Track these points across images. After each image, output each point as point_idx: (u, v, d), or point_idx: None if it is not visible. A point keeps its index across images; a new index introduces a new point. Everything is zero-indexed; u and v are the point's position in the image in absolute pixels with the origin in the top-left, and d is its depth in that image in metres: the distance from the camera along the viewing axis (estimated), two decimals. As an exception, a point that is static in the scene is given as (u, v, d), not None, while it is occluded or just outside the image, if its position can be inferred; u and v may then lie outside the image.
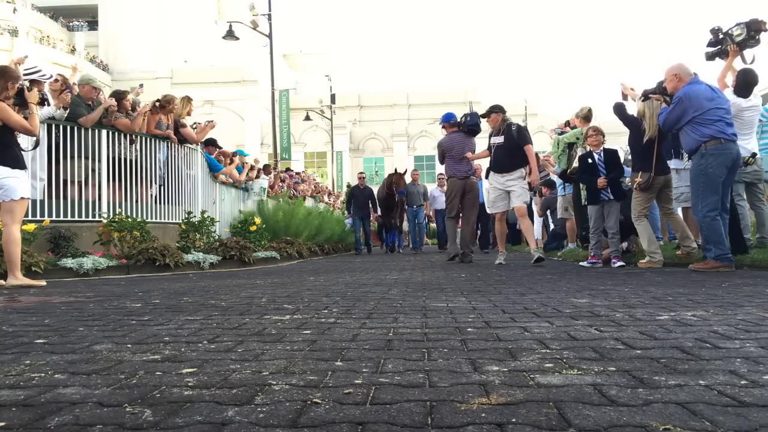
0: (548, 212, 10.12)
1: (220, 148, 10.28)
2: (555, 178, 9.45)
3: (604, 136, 6.41)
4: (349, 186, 13.46)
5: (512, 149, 6.61)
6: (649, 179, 5.52)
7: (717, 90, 4.96)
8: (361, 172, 14.08)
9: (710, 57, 5.61)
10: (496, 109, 6.85)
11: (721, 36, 5.45)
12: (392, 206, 13.02)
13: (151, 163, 7.48)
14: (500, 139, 6.69)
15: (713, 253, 4.66)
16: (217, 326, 2.28)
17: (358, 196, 12.98)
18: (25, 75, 6.43)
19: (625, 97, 5.91)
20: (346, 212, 14.32)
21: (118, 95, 7.28)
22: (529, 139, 6.64)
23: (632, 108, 5.89)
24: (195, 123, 9.05)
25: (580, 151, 6.72)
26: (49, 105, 6.48)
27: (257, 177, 11.90)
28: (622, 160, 7.34)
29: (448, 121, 7.82)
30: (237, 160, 10.78)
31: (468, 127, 7.54)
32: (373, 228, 15.83)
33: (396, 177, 12.74)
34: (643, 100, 5.50)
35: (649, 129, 5.49)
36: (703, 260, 4.86)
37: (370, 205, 13.35)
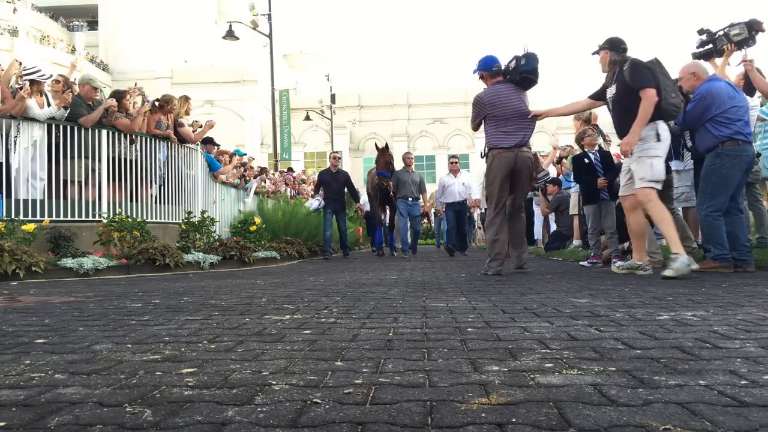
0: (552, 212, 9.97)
1: (218, 146, 10.27)
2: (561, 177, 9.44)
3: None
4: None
5: (630, 102, 4.36)
6: None
7: (737, 88, 4.87)
8: (335, 152, 10.96)
9: (696, 58, 5.57)
10: (605, 45, 4.67)
11: (715, 36, 5.42)
12: (387, 198, 10.32)
13: (151, 163, 7.48)
14: (613, 91, 4.59)
15: (712, 254, 4.65)
16: (217, 326, 2.28)
17: (329, 183, 9.93)
18: (24, 75, 6.46)
19: None
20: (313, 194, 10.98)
21: (118, 95, 7.29)
22: (645, 80, 4.28)
23: None
24: (194, 121, 9.06)
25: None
26: (50, 105, 6.51)
27: (255, 177, 11.91)
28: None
29: (488, 67, 5.18)
30: (236, 160, 10.77)
31: (521, 73, 4.96)
32: (349, 223, 13.22)
33: (378, 155, 10.00)
34: None
35: None
36: (702, 260, 4.86)
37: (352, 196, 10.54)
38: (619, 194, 4.86)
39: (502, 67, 5.14)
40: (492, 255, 5.10)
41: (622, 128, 4.49)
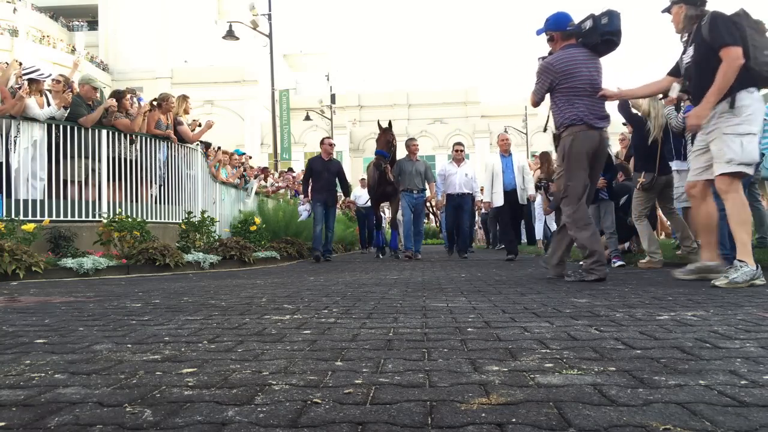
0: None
1: (209, 144, 10.18)
2: None
3: None
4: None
5: (709, 65, 3.58)
6: (652, 179, 5.51)
7: None
8: (327, 137, 9.33)
9: None
10: None
11: None
12: (387, 192, 8.99)
13: (151, 163, 7.48)
14: (691, 53, 3.77)
15: None
16: (217, 326, 2.28)
17: (320, 173, 8.50)
18: (23, 75, 6.46)
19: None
20: (302, 197, 9.28)
21: (118, 95, 7.29)
22: (727, 36, 3.49)
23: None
24: (193, 120, 9.04)
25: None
26: (50, 105, 6.51)
27: (255, 177, 11.91)
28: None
29: (561, 26, 4.30)
30: (220, 154, 10.54)
31: (603, 35, 4.13)
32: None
33: (379, 133, 8.79)
34: (661, 98, 5.46)
35: (654, 129, 5.47)
36: None
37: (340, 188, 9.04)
38: (688, 178, 3.98)
39: (580, 26, 4.22)
40: (590, 257, 4.09)
41: (702, 95, 3.63)
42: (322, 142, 8.95)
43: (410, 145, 8.93)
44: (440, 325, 2.23)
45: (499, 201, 7.98)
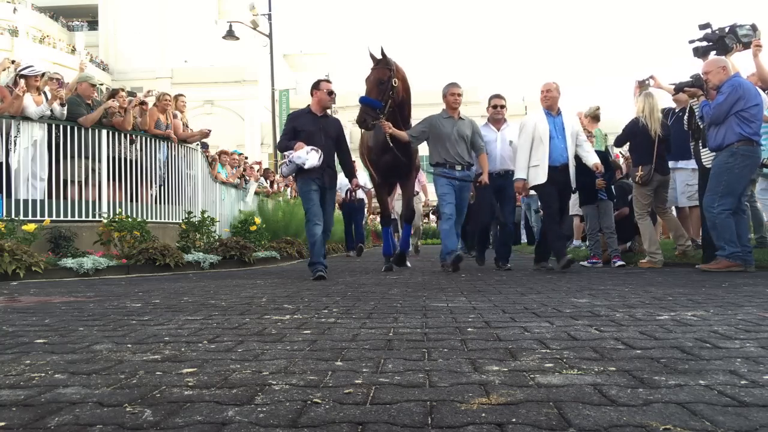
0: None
1: (207, 145, 10.13)
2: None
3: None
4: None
5: None
6: (650, 172, 5.50)
7: (757, 88, 4.83)
8: (325, 79, 5.57)
9: (702, 54, 5.50)
10: None
11: (722, 34, 5.39)
12: (392, 165, 5.62)
13: (151, 163, 7.48)
14: None
15: (726, 252, 4.62)
16: (217, 326, 2.28)
17: (312, 135, 4.98)
18: (18, 73, 6.46)
19: (639, 92, 5.85)
20: (294, 157, 4.84)
21: (113, 93, 7.28)
22: None
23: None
24: (191, 130, 9.00)
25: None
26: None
27: (256, 179, 11.90)
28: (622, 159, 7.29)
29: None
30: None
31: None
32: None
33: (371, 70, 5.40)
34: (674, 95, 5.47)
35: (653, 124, 5.47)
36: (714, 260, 4.82)
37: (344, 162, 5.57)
38: None
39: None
40: None
41: None
42: (317, 86, 5.26)
43: (449, 94, 5.65)
44: (440, 325, 2.23)
45: (539, 178, 5.30)
